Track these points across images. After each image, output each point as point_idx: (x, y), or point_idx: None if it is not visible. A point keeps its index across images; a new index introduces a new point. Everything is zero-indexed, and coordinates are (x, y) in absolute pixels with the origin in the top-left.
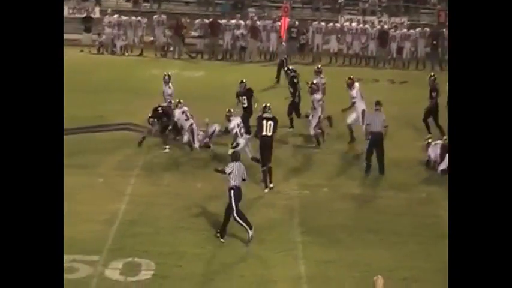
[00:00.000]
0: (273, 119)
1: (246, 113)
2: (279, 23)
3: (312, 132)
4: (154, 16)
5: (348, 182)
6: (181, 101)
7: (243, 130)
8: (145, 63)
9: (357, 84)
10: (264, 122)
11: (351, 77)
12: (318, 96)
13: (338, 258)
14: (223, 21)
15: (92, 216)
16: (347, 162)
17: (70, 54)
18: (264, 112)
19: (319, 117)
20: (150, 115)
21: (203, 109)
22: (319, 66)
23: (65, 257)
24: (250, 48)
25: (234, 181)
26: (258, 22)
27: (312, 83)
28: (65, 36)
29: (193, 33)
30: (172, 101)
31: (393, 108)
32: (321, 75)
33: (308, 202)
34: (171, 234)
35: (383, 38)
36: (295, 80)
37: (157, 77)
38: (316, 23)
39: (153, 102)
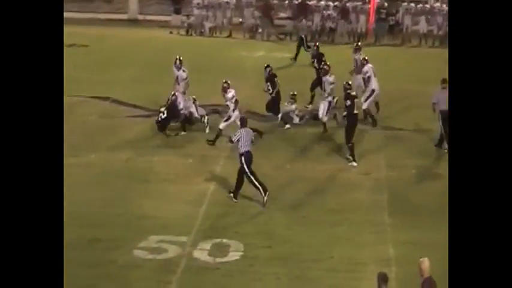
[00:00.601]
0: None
1: (272, 99)
2: (368, 5)
3: (324, 119)
4: None
5: (435, 162)
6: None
7: (237, 104)
8: (233, 44)
9: (370, 65)
10: (355, 100)
11: (366, 57)
12: (330, 78)
13: (426, 239)
14: (312, 2)
15: (180, 196)
16: (432, 142)
17: (160, 36)
18: (348, 89)
19: (330, 102)
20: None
21: (290, 89)
22: (359, 43)
23: (154, 237)
24: (339, 29)
25: (243, 147)
26: (347, 3)
27: (326, 64)
28: (156, 17)
29: (282, 15)
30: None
31: None
32: (360, 52)
33: (396, 183)
34: (260, 216)
35: None
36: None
37: (245, 59)
38: (405, 4)
39: (242, 84)
